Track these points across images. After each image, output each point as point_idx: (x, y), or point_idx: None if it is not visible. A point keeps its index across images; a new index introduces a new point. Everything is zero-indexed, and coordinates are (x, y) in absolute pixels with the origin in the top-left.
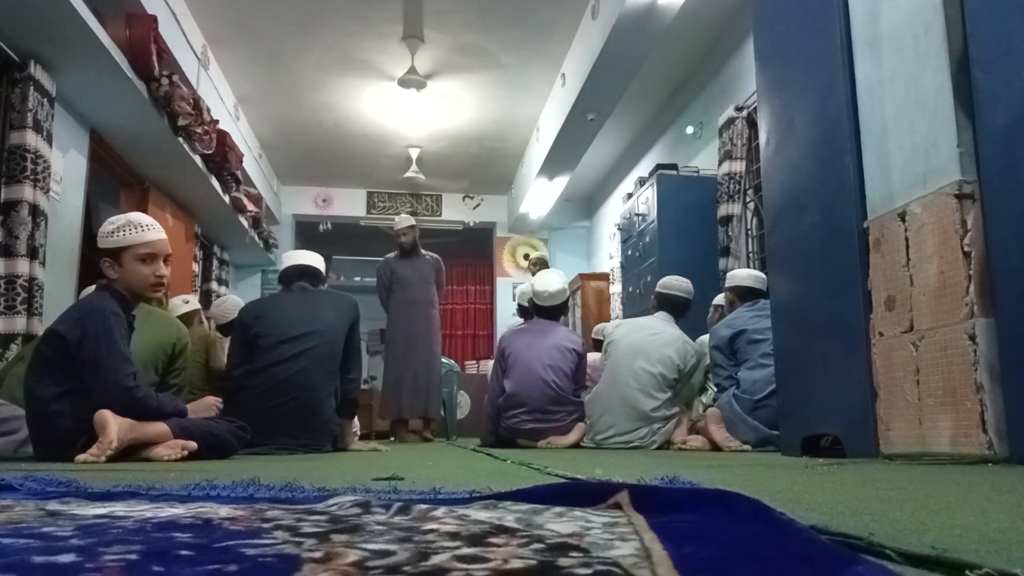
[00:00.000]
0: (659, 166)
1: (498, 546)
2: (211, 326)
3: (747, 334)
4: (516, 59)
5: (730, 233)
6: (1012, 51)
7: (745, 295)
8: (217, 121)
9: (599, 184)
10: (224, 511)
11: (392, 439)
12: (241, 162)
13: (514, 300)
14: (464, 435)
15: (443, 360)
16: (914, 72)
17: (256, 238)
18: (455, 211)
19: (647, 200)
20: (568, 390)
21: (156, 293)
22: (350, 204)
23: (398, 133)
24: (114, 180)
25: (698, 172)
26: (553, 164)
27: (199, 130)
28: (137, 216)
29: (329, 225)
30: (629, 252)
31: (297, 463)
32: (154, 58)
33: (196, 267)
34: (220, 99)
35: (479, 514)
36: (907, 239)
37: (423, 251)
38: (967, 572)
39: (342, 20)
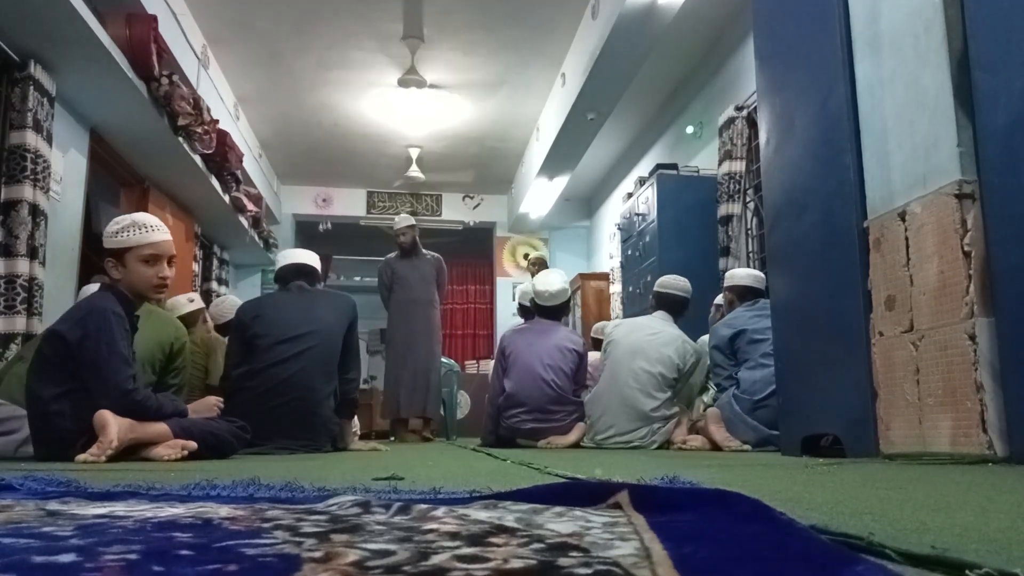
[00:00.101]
0: (659, 166)
1: (498, 546)
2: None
3: (747, 334)
4: (516, 59)
5: (730, 233)
6: (1012, 51)
7: (744, 295)
8: (217, 121)
9: (599, 184)
10: (224, 511)
11: (392, 439)
12: (241, 162)
13: (514, 300)
14: (464, 435)
15: (443, 360)
16: (914, 72)
17: (256, 238)
18: (455, 211)
19: (647, 200)
20: (568, 390)
21: (159, 294)
22: (350, 204)
23: (398, 133)
24: (114, 180)
25: (698, 172)
26: (553, 164)
27: (199, 130)
28: (142, 217)
29: (329, 225)
30: (629, 252)
31: (297, 463)
32: (154, 58)
33: (196, 267)
34: (220, 99)
35: (479, 514)
36: (907, 239)
37: (424, 251)
38: (967, 572)
39: (342, 20)
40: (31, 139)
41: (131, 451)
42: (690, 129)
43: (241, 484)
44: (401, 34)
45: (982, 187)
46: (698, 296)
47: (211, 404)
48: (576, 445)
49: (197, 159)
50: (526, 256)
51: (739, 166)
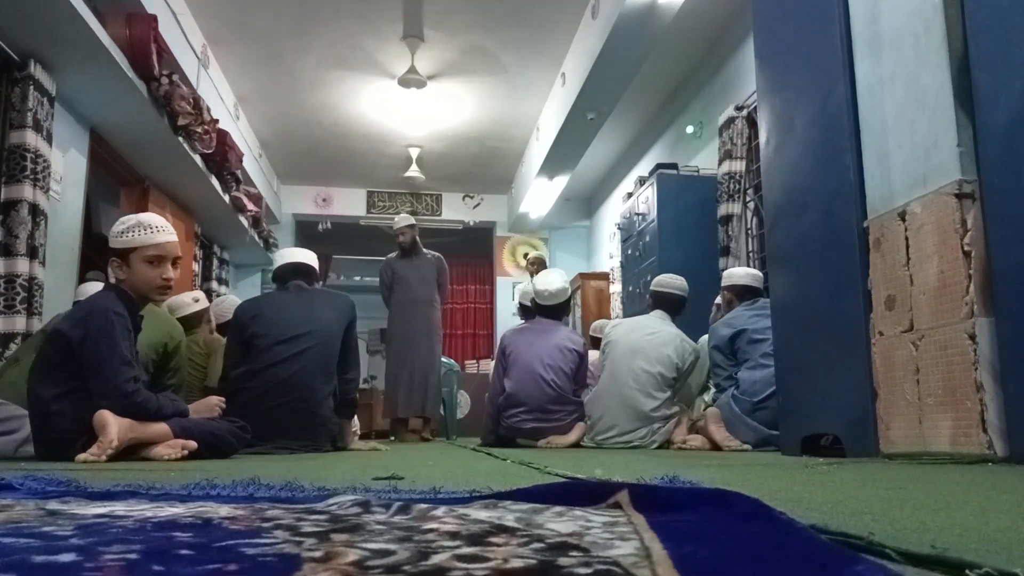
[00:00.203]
0: (659, 165)
1: (498, 545)
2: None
3: (747, 334)
4: (516, 58)
5: (730, 233)
6: (1012, 51)
7: (743, 294)
8: (217, 120)
9: (599, 184)
10: (224, 510)
11: (392, 438)
12: (241, 161)
13: (514, 300)
14: (464, 434)
15: (443, 360)
16: (914, 72)
17: (256, 237)
18: (455, 211)
19: (647, 199)
20: (568, 390)
21: (162, 296)
22: (350, 204)
23: (398, 133)
24: (114, 180)
25: (698, 172)
26: (553, 163)
27: (199, 129)
28: (148, 217)
29: (328, 224)
30: (629, 251)
31: (297, 463)
32: (154, 58)
33: (196, 267)
34: (220, 99)
35: (479, 513)
36: (907, 238)
37: (425, 250)
38: (967, 571)
39: (342, 20)
40: (31, 139)
41: (131, 451)
42: (690, 129)
43: (241, 484)
44: (401, 34)
45: (982, 187)
46: (698, 296)
47: (213, 404)
48: (576, 445)
49: (197, 159)
50: (526, 256)
51: (739, 166)
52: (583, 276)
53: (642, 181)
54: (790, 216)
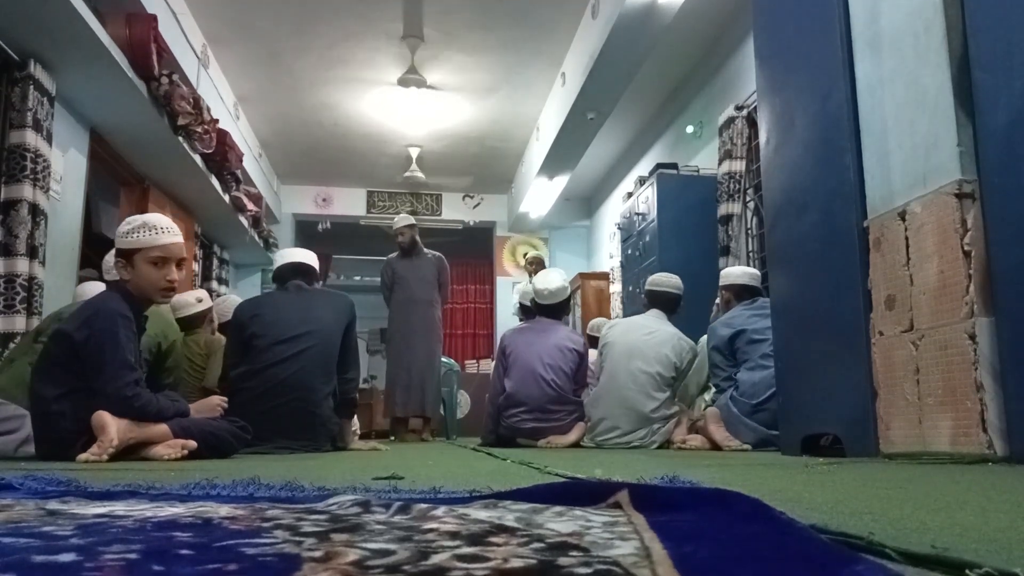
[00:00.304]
0: (659, 165)
1: (498, 545)
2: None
3: (747, 334)
4: (516, 59)
5: (730, 232)
6: (1012, 51)
7: (741, 293)
8: (217, 120)
9: (599, 183)
10: (224, 510)
11: (392, 438)
12: (241, 161)
13: (514, 299)
14: (464, 434)
15: (443, 360)
16: (914, 71)
17: (256, 237)
18: (455, 210)
19: (647, 199)
20: (568, 389)
21: (166, 298)
22: (350, 203)
23: (398, 132)
24: (114, 179)
25: (698, 171)
26: (553, 163)
27: (199, 129)
28: (154, 218)
29: (328, 224)
30: (629, 251)
31: (297, 462)
32: (154, 57)
33: (196, 266)
34: (220, 98)
35: (479, 513)
36: (907, 238)
37: (426, 250)
38: (967, 571)
39: (342, 20)
40: (31, 138)
41: (131, 450)
42: (690, 129)
43: (241, 484)
44: (401, 34)
45: (982, 187)
46: (698, 296)
47: (214, 404)
48: (576, 445)
49: (197, 159)
50: (525, 255)
51: (739, 166)
52: (583, 276)
53: (642, 181)
54: (790, 216)
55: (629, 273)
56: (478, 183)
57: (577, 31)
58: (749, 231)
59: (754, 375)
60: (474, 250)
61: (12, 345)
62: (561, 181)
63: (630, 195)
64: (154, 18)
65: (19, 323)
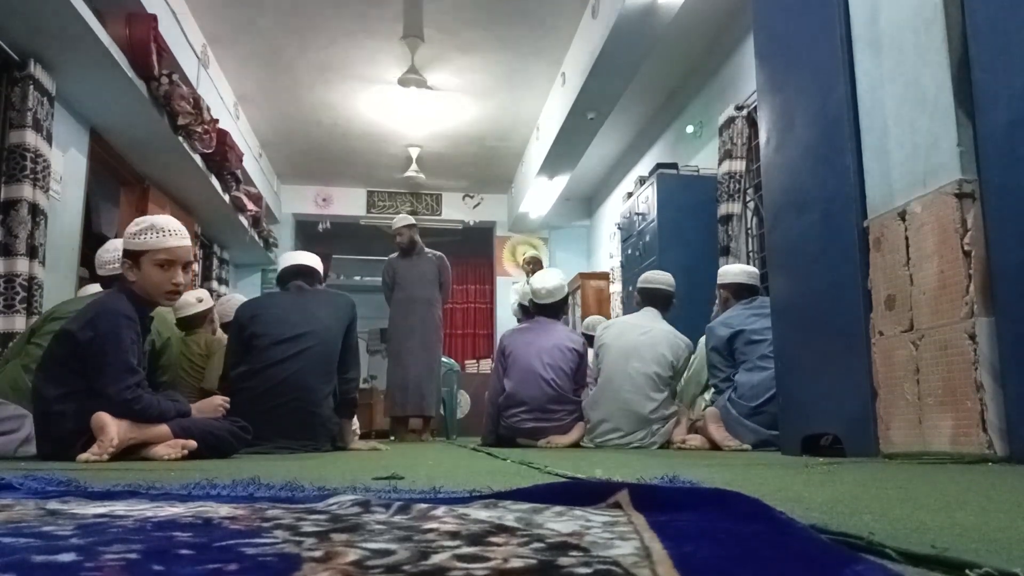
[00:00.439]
0: (659, 165)
1: (498, 545)
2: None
3: (745, 334)
4: (516, 58)
5: (730, 232)
6: (1012, 51)
7: (740, 292)
8: (217, 120)
9: (599, 183)
10: (224, 510)
11: (392, 438)
12: (241, 161)
13: (513, 300)
14: (464, 434)
15: (443, 360)
16: (914, 71)
17: (256, 237)
18: (455, 210)
19: (647, 199)
20: (568, 389)
21: (171, 300)
22: (350, 203)
23: (398, 132)
24: (114, 179)
25: (698, 171)
26: (553, 163)
27: (199, 129)
28: (161, 220)
29: (328, 224)
30: (629, 251)
31: (297, 462)
32: (154, 57)
33: (196, 266)
34: (220, 98)
35: (479, 513)
36: (907, 238)
37: (428, 250)
38: (967, 571)
39: (342, 20)
40: (31, 138)
41: (131, 450)
42: (690, 129)
43: (241, 484)
44: (401, 33)
45: (982, 186)
46: (698, 296)
47: (216, 404)
48: (576, 444)
49: (197, 158)
50: (524, 255)
51: (739, 165)
52: (583, 276)
53: (642, 181)
54: (790, 216)
55: (629, 273)
56: (478, 183)
57: (577, 31)
58: (749, 231)
59: (752, 377)
60: (474, 250)
61: (11, 345)
62: (561, 181)
63: (630, 195)
64: (154, 18)
65: (19, 323)
